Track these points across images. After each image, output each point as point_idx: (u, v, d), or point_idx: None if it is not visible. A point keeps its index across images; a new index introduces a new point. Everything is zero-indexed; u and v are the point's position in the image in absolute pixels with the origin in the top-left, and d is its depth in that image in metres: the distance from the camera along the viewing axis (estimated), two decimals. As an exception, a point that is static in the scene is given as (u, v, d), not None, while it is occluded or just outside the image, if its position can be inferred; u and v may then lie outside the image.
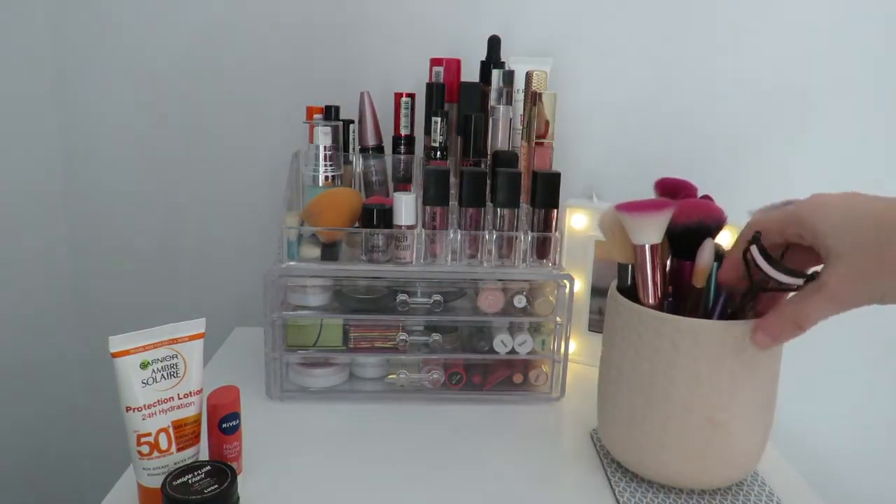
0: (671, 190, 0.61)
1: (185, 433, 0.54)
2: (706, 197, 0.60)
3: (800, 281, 0.48)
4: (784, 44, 0.90)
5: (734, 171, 0.93)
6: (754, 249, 0.50)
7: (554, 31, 0.91)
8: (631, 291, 0.58)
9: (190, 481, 0.50)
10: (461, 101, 0.81)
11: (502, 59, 0.85)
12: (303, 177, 0.78)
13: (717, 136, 0.93)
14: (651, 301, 0.56)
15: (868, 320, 0.92)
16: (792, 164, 0.92)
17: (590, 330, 0.85)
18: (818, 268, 0.48)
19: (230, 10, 0.91)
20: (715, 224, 0.56)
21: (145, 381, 0.52)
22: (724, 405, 0.53)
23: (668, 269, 0.59)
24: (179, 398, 0.53)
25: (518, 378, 0.76)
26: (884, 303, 0.45)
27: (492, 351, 0.74)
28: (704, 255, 0.54)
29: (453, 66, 0.84)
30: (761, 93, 0.92)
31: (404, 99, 0.83)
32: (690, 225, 0.55)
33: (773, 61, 0.91)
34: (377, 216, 0.72)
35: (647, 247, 0.55)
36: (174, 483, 0.49)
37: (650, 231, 0.55)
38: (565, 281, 0.72)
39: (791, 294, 0.50)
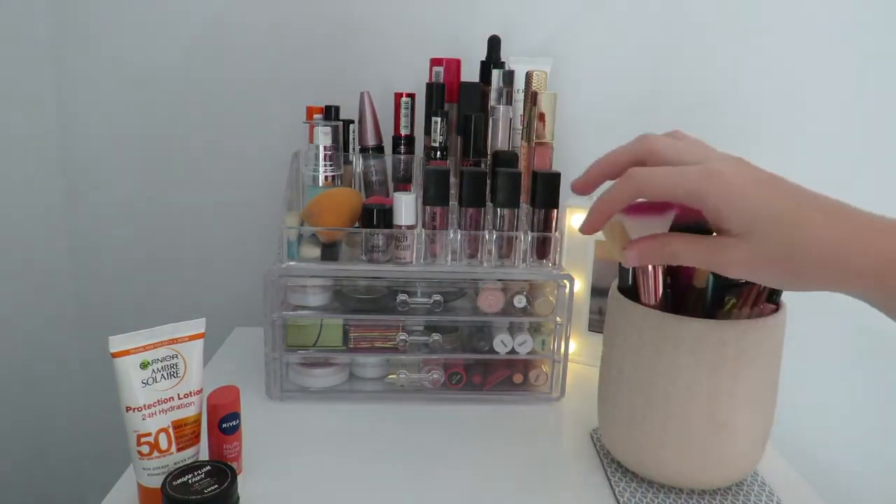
0: None
1: (185, 433, 0.53)
2: None
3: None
4: (784, 44, 0.90)
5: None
6: None
7: (554, 31, 0.91)
8: (632, 291, 0.58)
9: (190, 481, 0.50)
10: (461, 101, 0.81)
11: (502, 59, 0.85)
12: (303, 177, 0.78)
13: (717, 137, 0.93)
14: (652, 301, 0.56)
15: (869, 321, 0.92)
16: (792, 164, 0.92)
17: (590, 330, 0.85)
18: None
19: (230, 11, 0.91)
20: None
21: (145, 381, 0.52)
22: (725, 405, 0.53)
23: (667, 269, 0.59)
24: (179, 398, 0.53)
25: (518, 378, 0.76)
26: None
27: (492, 351, 0.74)
28: None
29: (453, 66, 0.84)
30: (761, 93, 0.92)
31: (404, 99, 0.83)
32: (691, 225, 0.55)
33: (773, 61, 0.91)
34: (377, 216, 0.72)
35: None
36: (174, 483, 0.49)
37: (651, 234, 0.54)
38: (565, 281, 0.72)
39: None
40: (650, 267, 0.55)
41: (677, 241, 0.46)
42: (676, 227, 0.55)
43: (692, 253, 0.46)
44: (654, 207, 0.54)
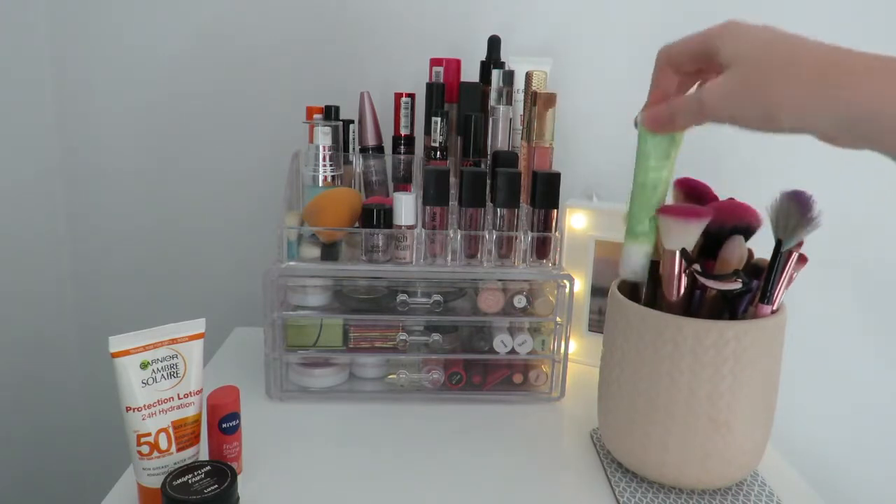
0: (696, 193, 0.61)
1: (185, 433, 0.54)
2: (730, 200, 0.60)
3: (732, 283, 0.52)
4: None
5: (735, 170, 0.93)
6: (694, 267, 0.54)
7: (554, 31, 0.91)
8: (632, 291, 0.59)
9: (190, 481, 0.50)
10: (461, 101, 0.81)
11: (502, 59, 0.85)
12: (303, 177, 0.78)
13: (716, 135, 0.93)
14: (674, 298, 0.56)
15: (869, 320, 0.92)
16: (796, 157, 0.92)
17: (590, 330, 0.85)
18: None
19: (230, 11, 0.91)
20: (756, 226, 0.57)
21: (145, 381, 0.52)
22: (726, 405, 0.53)
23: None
24: (179, 398, 0.53)
25: (518, 378, 0.76)
26: (739, 125, 0.45)
27: (492, 351, 0.74)
28: (735, 250, 0.55)
29: (453, 66, 0.84)
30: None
31: (404, 99, 0.83)
32: (733, 227, 0.56)
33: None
34: (377, 216, 0.72)
35: (677, 252, 0.55)
36: (174, 483, 0.49)
37: (688, 237, 0.55)
38: (565, 281, 0.72)
39: None
40: (677, 270, 0.55)
41: (675, 101, 0.51)
42: (709, 234, 0.55)
43: (684, 107, 0.49)
44: (694, 212, 0.54)
